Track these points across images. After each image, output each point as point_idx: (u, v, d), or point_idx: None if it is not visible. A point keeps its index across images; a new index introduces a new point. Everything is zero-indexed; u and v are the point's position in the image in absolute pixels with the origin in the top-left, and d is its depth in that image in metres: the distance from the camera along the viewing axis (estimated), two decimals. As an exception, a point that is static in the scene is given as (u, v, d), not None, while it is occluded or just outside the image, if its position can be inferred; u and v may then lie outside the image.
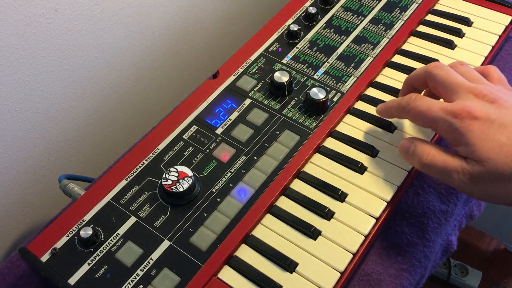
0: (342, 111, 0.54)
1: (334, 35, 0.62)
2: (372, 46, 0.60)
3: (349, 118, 0.54)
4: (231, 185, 0.48)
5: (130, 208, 0.47)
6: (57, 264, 0.44)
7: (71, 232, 0.46)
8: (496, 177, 0.40)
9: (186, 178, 0.47)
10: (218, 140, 0.52)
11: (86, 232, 0.44)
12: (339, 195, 0.48)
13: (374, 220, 0.46)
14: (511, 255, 1.28)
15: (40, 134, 0.64)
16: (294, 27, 0.61)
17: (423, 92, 0.51)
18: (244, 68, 0.58)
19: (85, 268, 0.44)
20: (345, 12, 0.64)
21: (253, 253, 0.45)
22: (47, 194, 0.69)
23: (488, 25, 0.62)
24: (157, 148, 0.51)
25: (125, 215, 0.47)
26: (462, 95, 0.43)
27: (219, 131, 0.53)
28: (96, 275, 0.43)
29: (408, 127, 0.53)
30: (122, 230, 0.46)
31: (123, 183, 0.49)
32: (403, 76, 0.57)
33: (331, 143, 0.52)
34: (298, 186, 0.49)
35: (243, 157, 0.50)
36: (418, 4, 0.65)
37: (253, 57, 0.59)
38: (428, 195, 0.51)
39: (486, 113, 0.41)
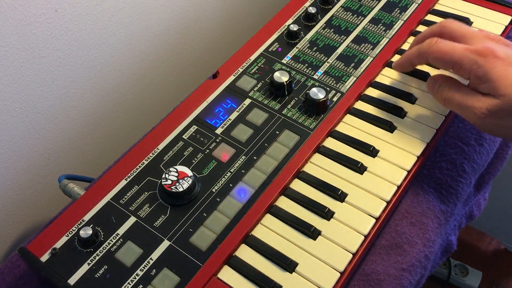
0: (342, 111, 0.54)
1: (334, 35, 0.62)
2: (372, 46, 0.60)
3: (349, 118, 0.54)
4: (231, 185, 0.48)
5: (130, 208, 0.47)
6: (57, 264, 0.44)
7: (71, 232, 0.46)
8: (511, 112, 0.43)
9: (186, 178, 0.47)
10: (218, 140, 0.52)
11: (86, 232, 0.44)
12: (339, 195, 0.48)
13: (374, 220, 0.46)
14: (511, 255, 1.28)
15: (40, 134, 0.64)
16: (294, 27, 0.61)
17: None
18: (244, 68, 0.58)
19: (85, 268, 0.44)
20: (345, 12, 0.64)
21: (253, 253, 0.45)
22: (47, 194, 0.69)
23: (488, 25, 0.62)
24: (157, 148, 0.51)
25: (125, 215, 0.47)
26: (480, 39, 0.47)
27: (219, 131, 0.53)
28: (96, 275, 0.43)
29: (408, 127, 0.53)
30: (122, 230, 0.46)
31: (123, 183, 0.49)
32: (403, 76, 0.57)
33: (331, 143, 0.52)
34: (298, 186, 0.49)
35: (243, 157, 0.50)
36: (418, 4, 0.65)
37: (253, 57, 0.59)
38: (428, 195, 0.51)
39: (505, 53, 0.45)
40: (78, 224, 0.46)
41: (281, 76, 0.55)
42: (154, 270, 0.43)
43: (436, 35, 0.50)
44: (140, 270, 0.43)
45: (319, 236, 0.46)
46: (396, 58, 0.60)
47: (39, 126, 0.63)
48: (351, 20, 0.63)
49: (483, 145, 0.55)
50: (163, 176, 0.47)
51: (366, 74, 0.57)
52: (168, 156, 0.51)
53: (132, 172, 0.49)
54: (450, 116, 0.54)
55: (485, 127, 0.46)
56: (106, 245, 0.45)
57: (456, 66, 0.46)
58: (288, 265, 0.43)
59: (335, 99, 0.55)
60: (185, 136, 0.52)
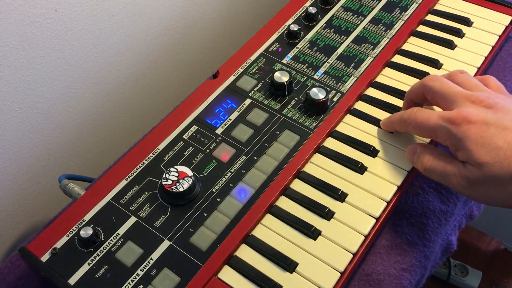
0: (342, 111, 0.54)
1: (334, 35, 0.62)
2: (372, 46, 0.60)
3: (349, 118, 0.54)
4: (231, 185, 0.48)
5: (130, 208, 0.47)
6: (57, 264, 0.44)
7: (71, 232, 0.46)
8: (494, 181, 0.40)
9: (186, 178, 0.47)
10: (218, 140, 0.52)
11: (86, 232, 0.44)
12: (339, 195, 0.48)
13: (374, 220, 0.46)
14: (511, 255, 1.28)
15: (40, 134, 0.64)
16: (294, 27, 0.61)
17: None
18: (244, 68, 0.58)
19: (85, 268, 0.44)
20: (345, 12, 0.64)
21: (253, 253, 0.45)
22: (47, 194, 0.69)
23: (488, 25, 0.62)
24: (157, 148, 0.51)
25: (125, 215, 0.47)
26: (459, 103, 0.44)
27: (219, 131, 0.53)
28: (96, 275, 0.43)
29: (408, 127, 0.53)
30: (122, 230, 0.46)
31: (123, 183, 0.49)
32: (403, 76, 0.57)
33: (331, 143, 0.52)
34: (298, 186, 0.49)
35: (243, 157, 0.50)
36: (418, 4, 0.65)
37: (253, 57, 0.59)
38: (428, 195, 0.51)
39: (482, 117, 0.42)
40: (79, 224, 0.46)
41: (281, 76, 0.55)
42: (154, 270, 0.43)
43: (421, 95, 0.48)
44: (141, 270, 0.43)
45: (319, 236, 0.46)
46: (396, 58, 0.60)
47: (39, 126, 0.63)
48: (351, 20, 0.63)
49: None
50: (164, 176, 0.47)
51: (366, 74, 0.57)
52: (169, 156, 0.51)
53: (132, 172, 0.49)
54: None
55: (473, 197, 0.44)
56: (106, 245, 0.45)
57: (433, 135, 0.45)
58: (288, 265, 0.43)
59: (335, 99, 0.55)
60: (185, 136, 0.52)
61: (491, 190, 0.41)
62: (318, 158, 0.51)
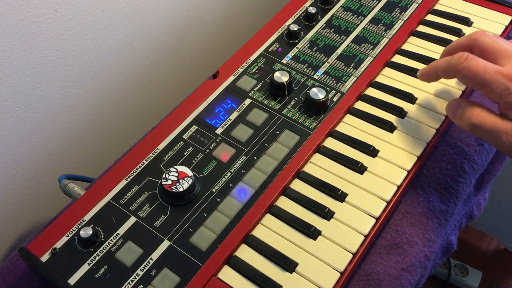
0: (342, 111, 0.54)
1: (334, 35, 0.62)
2: (372, 46, 0.60)
3: (349, 118, 0.54)
4: (231, 185, 0.48)
5: (130, 208, 0.47)
6: (57, 264, 0.44)
7: (71, 232, 0.46)
8: None
9: (186, 178, 0.47)
10: (218, 140, 0.52)
11: (86, 232, 0.44)
12: (339, 195, 0.48)
13: (374, 220, 0.46)
14: (511, 255, 1.28)
15: (40, 134, 0.64)
16: (294, 27, 0.61)
17: None
18: (244, 68, 0.58)
19: (85, 268, 0.44)
20: (345, 12, 0.64)
21: (253, 253, 0.45)
22: (47, 194, 0.69)
23: (488, 25, 0.62)
24: (157, 148, 0.51)
25: (125, 215, 0.47)
26: (511, 60, 0.43)
27: (219, 131, 0.53)
28: (96, 275, 0.43)
29: (408, 127, 0.53)
30: (122, 230, 0.46)
31: (123, 183, 0.49)
32: (403, 76, 0.57)
33: (331, 143, 0.52)
34: (298, 186, 0.49)
35: (243, 157, 0.50)
36: (418, 4, 0.65)
37: (253, 57, 0.59)
38: (428, 195, 0.51)
39: None
40: (78, 224, 0.46)
41: (281, 76, 0.55)
42: (154, 270, 0.43)
43: (466, 49, 0.47)
44: (140, 270, 0.43)
45: (319, 236, 0.46)
46: (396, 58, 0.60)
47: (39, 126, 0.63)
48: (351, 20, 0.63)
49: (483, 145, 0.55)
50: (163, 176, 0.47)
51: (366, 74, 0.57)
52: (168, 156, 0.51)
53: (132, 172, 0.49)
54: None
55: None
56: (106, 245, 0.45)
57: (485, 89, 0.43)
58: (288, 265, 0.43)
59: (335, 99, 0.55)
60: (185, 136, 0.52)
61: None
62: (318, 158, 0.51)
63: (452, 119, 0.47)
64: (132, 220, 0.46)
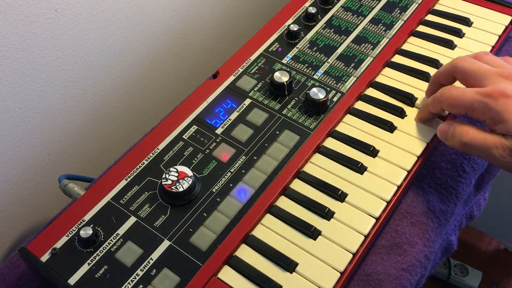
0: (342, 111, 0.54)
1: (334, 35, 0.62)
2: (372, 46, 0.60)
3: (349, 118, 0.54)
4: (231, 185, 0.48)
5: (130, 208, 0.47)
6: (57, 264, 0.44)
7: (71, 232, 0.46)
8: None
9: (186, 178, 0.47)
10: (218, 140, 0.52)
11: (86, 232, 0.44)
12: (339, 195, 0.48)
13: (374, 220, 0.46)
14: (511, 255, 1.28)
15: (40, 134, 0.64)
16: (294, 27, 0.61)
17: None
18: (244, 68, 0.58)
19: (85, 268, 0.44)
20: (345, 12, 0.64)
21: (253, 253, 0.45)
22: (47, 194, 0.69)
23: (488, 25, 0.62)
24: (157, 148, 0.51)
25: (125, 215, 0.47)
26: (492, 79, 0.46)
27: (219, 131, 0.53)
28: (96, 275, 0.43)
29: (408, 126, 0.53)
30: (122, 230, 0.46)
31: (123, 183, 0.49)
32: (403, 76, 0.57)
33: (331, 143, 0.52)
34: (298, 186, 0.49)
35: (243, 157, 0.50)
36: (418, 4, 0.65)
37: (253, 57, 0.59)
38: (428, 195, 0.51)
39: None
40: (78, 224, 0.46)
41: (281, 76, 0.55)
42: (154, 270, 0.43)
43: (450, 76, 0.50)
44: (140, 270, 0.43)
45: (319, 236, 0.46)
46: (396, 58, 0.60)
47: (39, 126, 0.63)
48: (351, 20, 0.63)
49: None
50: (163, 176, 0.47)
51: (366, 74, 0.57)
52: (168, 156, 0.51)
53: (132, 172, 0.49)
54: (449, 116, 0.54)
55: (508, 167, 0.45)
56: (106, 245, 0.45)
57: (470, 111, 0.46)
58: (288, 265, 0.43)
59: (335, 99, 0.55)
60: (185, 136, 0.52)
61: None
62: (318, 158, 0.51)
63: (445, 142, 0.49)
64: (132, 220, 0.46)
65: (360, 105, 0.55)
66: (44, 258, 0.44)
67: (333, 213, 0.47)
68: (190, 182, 0.47)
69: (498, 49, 0.63)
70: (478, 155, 0.47)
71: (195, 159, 0.50)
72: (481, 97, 0.44)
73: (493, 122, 0.44)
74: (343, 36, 0.61)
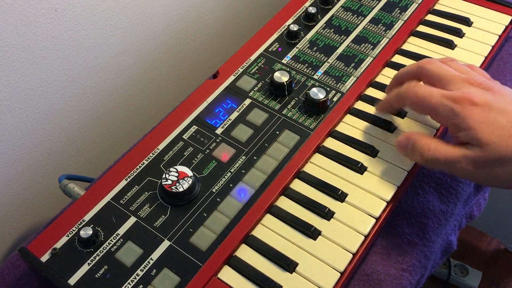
0: (342, 111, 0.54)
1: (334, 35, 0.62)
2: (372, 46, 0.60)
3: (349, 118, 0.54)
4: (231, 185, 0.48)
5: (130, 208, 0.47)
6: (57, 264, 0.44)
7: (71, 232, 0.46)
8: (499, 160, 0.41)
9: (186, 178, 0.47)
10: (218, 140, 0.52)
11: (86, 232, 0.44)
12: (339, 195, 0.48)
13: (374, 220, 0.46)
14: (511, 255, 1.28)
15: (40, 134, 0.64)
16: (294, 27, 0.61)
17: None
18: (244, 68, 0.58)
19: (85, 268, 0.44)
20: (345, 12, 0.64)
21: (253, 253, 0.45)
22: (47, 194, 0.69)
23: (488, 25, 0.62)
24: (157, 148, 0.51)
25: (125, 215, 0.47)
26: (458, 84, 0.44)
27: (219, 131, 0.53)
28: (96, 275, 0.43)
29: (408, 126, 0.53)
30: (122, 230, 0.46)
31: (123, 183, 0.49)
32: (403, 76, 0.57)
33: (331, 143, 0.52)
34: (298, 186, 0.49)
35: (243, 157, 0.50)
36: (418, 4, 0.65)
37: (253, 57, 0.59)
38: (428, 195, 0.51)
39: (484, 99, 0.42)
40: (78, 224, 0.46)
41: (281, 76, 0.55)
42: (154, 270, 0.43)
43: (415, 76, 0.48)
44: (140, 270, 0.43)
45: (319, 236, 0.46)
46: (396, 58, 0.60)
47: (39, 126, 0.63)
48: (351, 20, 0.63)
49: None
50: (163, 176, 0.47)
51: (366, 74, 0.57)
52: (168, 156, 0.51)
53: (132, 172, 0.49)
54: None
55: (478, 180, 0.43)
56: (106, 245, 0.45)
57: (432, 113, 0.44)
58: (288, 265, 0.43)
59: (335, 99, 0.55)
60: (185, 136, 0.52)
61: (495, 171, 0.41)
62: (318, 158, 0.51)
63: (405, 157, 0.47)
64: (132, 220, 0.46)
65: (360, 105, 0.55)
66: (44, 258, 0.44)
67: (333, 213, 0.47)
68: (190, 182, 0.47)
69: (498, 49, 0.63)
70: (441, 169, 0.45)
71: (195, 159, 0.50)
72: (447, 101, 0.43)
73: (456, 129, 0.43)
74: (343, 36, 0.61)
